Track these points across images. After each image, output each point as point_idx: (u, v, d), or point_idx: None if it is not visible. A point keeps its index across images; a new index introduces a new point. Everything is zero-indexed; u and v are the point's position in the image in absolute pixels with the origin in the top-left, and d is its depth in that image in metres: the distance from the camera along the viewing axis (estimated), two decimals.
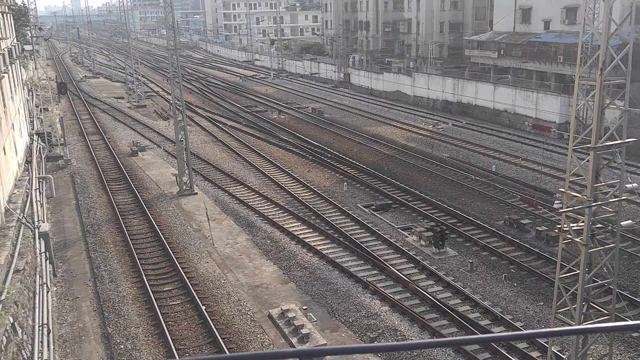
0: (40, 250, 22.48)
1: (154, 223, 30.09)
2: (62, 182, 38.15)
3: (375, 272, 24.89)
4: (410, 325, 20.78)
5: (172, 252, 26.48)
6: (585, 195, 14.06)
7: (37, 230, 23.67)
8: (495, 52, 61.54)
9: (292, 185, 37.15)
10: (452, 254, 26.81)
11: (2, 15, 38.26)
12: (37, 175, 32.79)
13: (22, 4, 67.13)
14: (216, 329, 20.21)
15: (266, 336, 20.16)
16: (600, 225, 14.69)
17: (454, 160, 41.72)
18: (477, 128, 52.38)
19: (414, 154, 43.68)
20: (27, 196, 27.95)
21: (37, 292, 19.45)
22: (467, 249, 27.32)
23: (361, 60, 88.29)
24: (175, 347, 19.31)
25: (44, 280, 20.85)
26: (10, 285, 17.52)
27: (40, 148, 40.77)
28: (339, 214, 31.96)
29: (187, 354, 19.16)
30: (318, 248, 27.12)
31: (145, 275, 24.32)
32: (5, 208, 23.88)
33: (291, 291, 23.53)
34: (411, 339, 19.67)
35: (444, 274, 24.57)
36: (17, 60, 43.65)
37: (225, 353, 18.84)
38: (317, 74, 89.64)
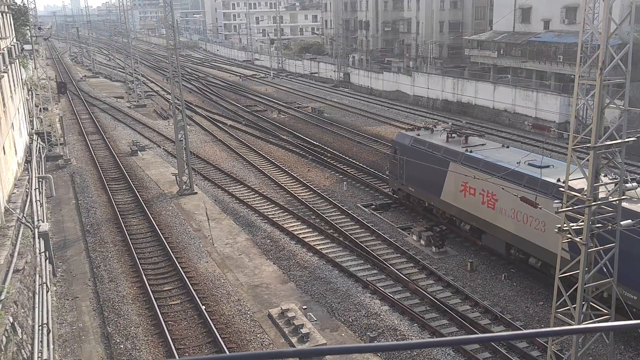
0: (39, 250, 22.46)
1: (154, 223, 30.08)
2: (61, 181, 38.14)
3: (375, 271, 24.89)
4: (410, 325, 20.79)
5: (172, 252, 26.47)
6: (585, 195, 14.06)
7: (36, 230, 23.66)
8: (495, 51, 61.55)
9: (291, 185, 37.16)
10: (452, 253, 26.82)
11: (2, 14, 38.24)
12: (36, 175, 32.78)
13: (21, 4, 67.08)
14: (216, 328, 20.21)
15: (266, 336, 20.16)
16: (600, 225, 14.68)
17: None
18: (477, 127, 52.33)
19: None
20: (27, 196, 27.93)
21: (37, 291, 19.44)
22: (466, 249, 27.33)
23: (361, 59, 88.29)
24: (175, 347, 19.30)
25: (44, 280, 20.85)
26: (9, 285, 17.51)
27: (39, 148, 40.74)
28: (339, 213, 31.96)
29: (186, 354, 19.16)
30: (318, 248, 27.12)
31: (145, 274, 24.32)
32: (4, 208, 23.87)
33: (291, 291, 23.53)
34: (411, 339, 19.67)
35: (443, 274, 24.58)
36: (17, 60, 43.61)
37: (225, 353, 18.84)
38: (316, 73, 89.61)
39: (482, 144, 28.22)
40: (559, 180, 21.07)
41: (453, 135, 29.34)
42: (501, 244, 25.09)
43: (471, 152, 26.81)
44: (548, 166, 23.65)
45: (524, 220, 23.24)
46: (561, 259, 14.75)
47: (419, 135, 30.81)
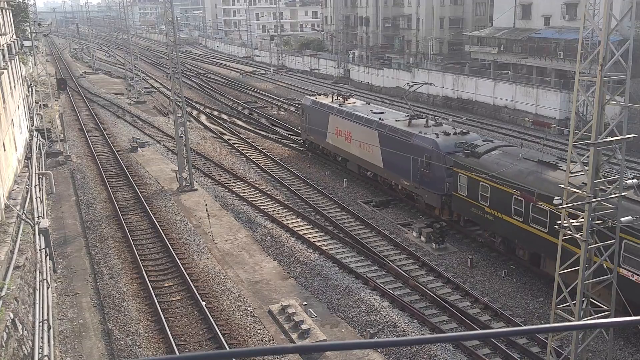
0: (40, 247, 22.48)
1: (154, 219, 30.09)
2: (61, 178, 38.14)
3: (375, 268, 24.92)
4: (410, 321, 20.81)
5: (172, 248, 26.48)
6: (585, 191, 14.06)
7: (37, 227, 23.67)
8: (495, 48, 61.46)
9: (292, 182, 37.16)
10: (452, 250, 26.84)
11: (2, 11, 38.18)
12: (36, 172, 32.77)
13: (21, 0, 66.91)
14: (216, 324, 20.23)
15: (266, 332, 20.19)
16: (600, 221, 14.68)
17: None
18: (477, 124, 52.32)
19: None
20: (27, 192, 27.94)
21: (37, 288, 19.46)
22: (467, 245, 27.35)
23: (361, 56, 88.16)
24: (175, 343, 19.33)
25: (44, 276, 20.87)
26: (10, 281, 17.53)
27: (40, 144, 40.74)
28: (339, 210, 31.97)
29: (187, 350, 19.18)
30: (318, 244, 27.14)
31: (146, 271, 24.33)
32: (5, 204, 23.88)
33: (291, 287, 23.56)
34: (411, 335, 19.69)
35: (443, 270, 24.60)
36: (17, 56, 43.57)
37: (226, 349, 18.88)
38: (317, 69, 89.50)
39: (353, 102, 40.54)
40: (380, 118, 33.71)
41: (338, 97, 41.51)
42: (356, 166, 36.51)
43: (341, 106, 38.56)
44: (383, 112, 35.89)
45: (362, 147, 34.59)
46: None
47: (316, 98, 42.70)
